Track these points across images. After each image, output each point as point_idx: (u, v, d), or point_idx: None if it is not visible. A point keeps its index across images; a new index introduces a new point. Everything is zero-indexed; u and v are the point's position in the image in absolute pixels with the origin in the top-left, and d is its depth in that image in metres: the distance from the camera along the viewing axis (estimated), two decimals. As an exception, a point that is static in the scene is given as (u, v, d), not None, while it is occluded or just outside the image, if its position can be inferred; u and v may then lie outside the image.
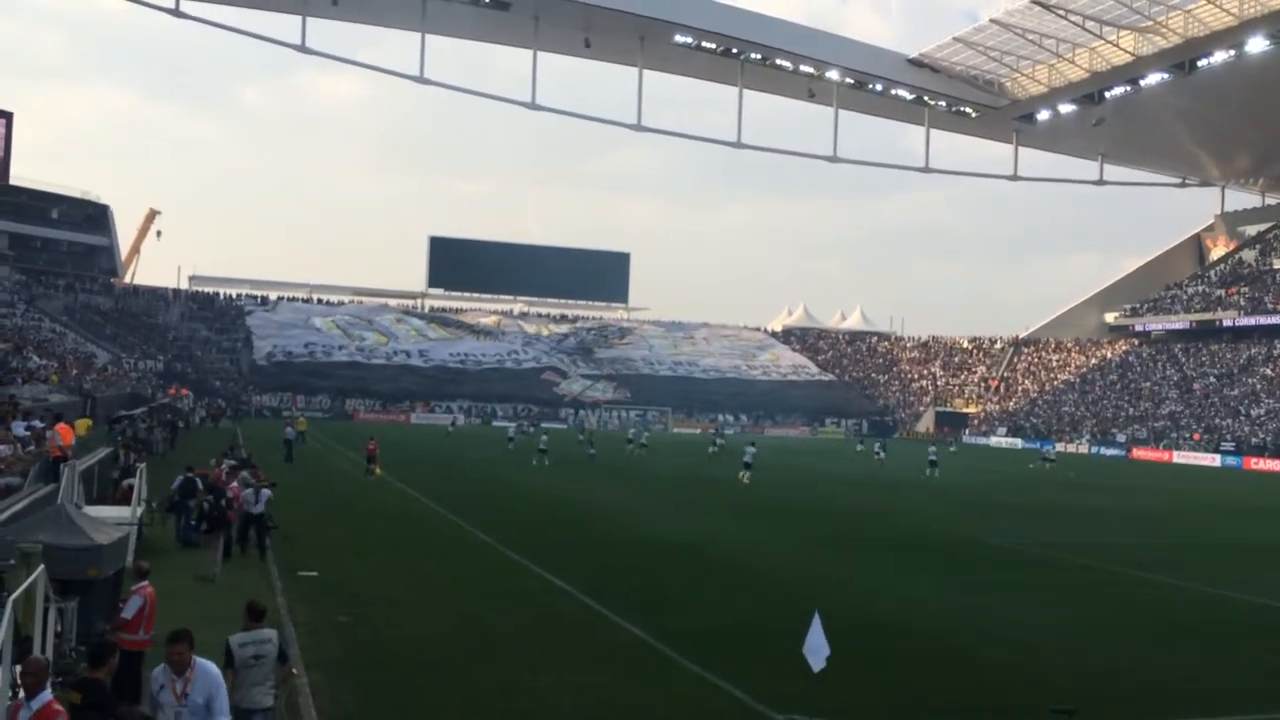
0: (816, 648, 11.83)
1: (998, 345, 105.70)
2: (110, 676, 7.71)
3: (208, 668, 7.10)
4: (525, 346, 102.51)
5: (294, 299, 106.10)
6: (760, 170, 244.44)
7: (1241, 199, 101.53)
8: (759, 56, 73.42)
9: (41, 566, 9.59)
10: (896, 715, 10.60)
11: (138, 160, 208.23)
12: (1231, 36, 64.13)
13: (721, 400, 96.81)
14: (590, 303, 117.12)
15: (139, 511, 18.69)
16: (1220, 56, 66.08)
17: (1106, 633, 15.46)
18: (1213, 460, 67.31)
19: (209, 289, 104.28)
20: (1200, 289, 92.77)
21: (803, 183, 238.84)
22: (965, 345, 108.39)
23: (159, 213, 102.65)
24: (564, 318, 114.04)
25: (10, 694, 7.49)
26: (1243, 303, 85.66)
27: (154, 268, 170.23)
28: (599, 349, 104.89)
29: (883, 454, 54.48)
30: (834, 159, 79.27)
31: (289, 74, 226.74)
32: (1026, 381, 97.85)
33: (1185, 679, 12.98)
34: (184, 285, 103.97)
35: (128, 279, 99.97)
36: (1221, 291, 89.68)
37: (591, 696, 11.32)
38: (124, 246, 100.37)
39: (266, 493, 19.87)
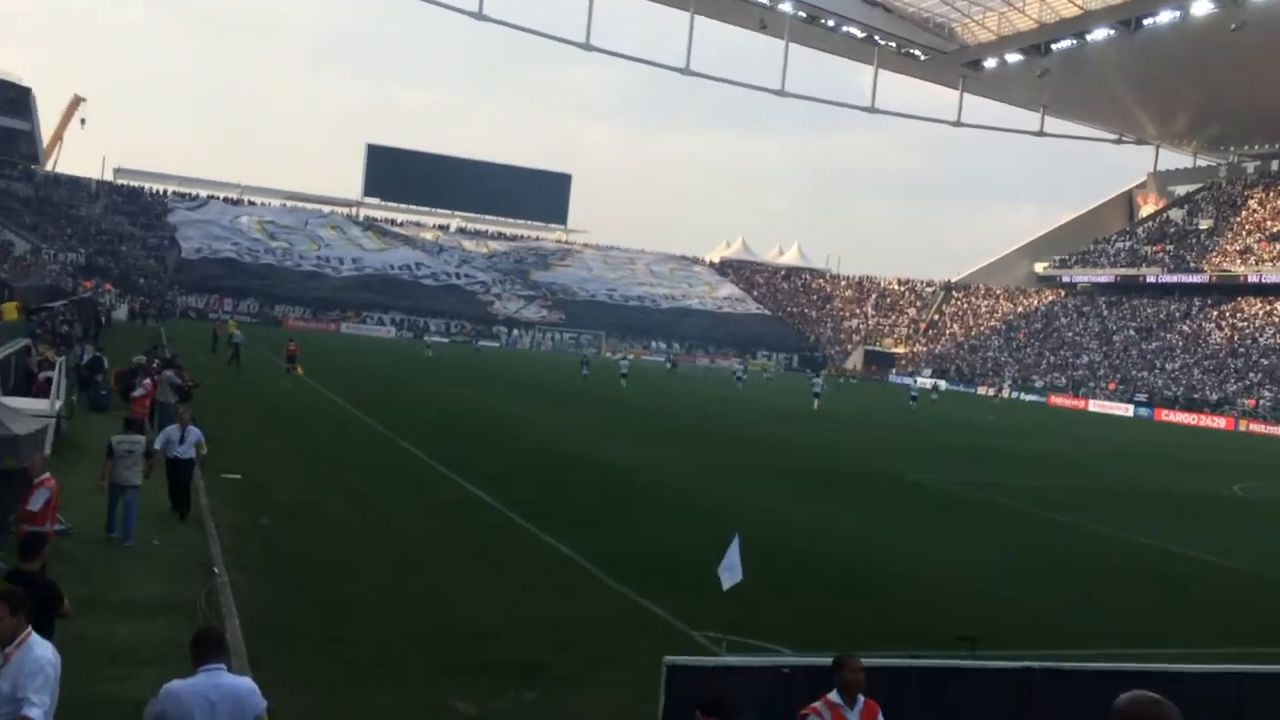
0: (730, 567, 12.14)
1: (930, 289, 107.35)
2: (42, 567, 7.69)
3: (32, 651, 5.15)
4: (461, 262, 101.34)
5: (224, 199, 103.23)
6: (709, 101, 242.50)
7: (1174, 159, 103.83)
8: (713, -19, 72.45)
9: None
10: (805, 637, 10.96)
11: (64, 44, 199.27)
12: (1179, -4, 64.88)
13: (655, 328, 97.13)
14: (529, 222, 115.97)
15: (58, 405, 18.34)
16: (1166, 16, 66.87)
17: (1011, 567, 16.10)
18: (1126, 410, 69.63)
19: (134, 182, 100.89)
20: (1128, 245, 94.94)
21: (750, 116, 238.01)
22: (896, 287, 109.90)
23: (84, 100, 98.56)
24: (502, 235, 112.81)
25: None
26: (1167, 260, 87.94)
27: (77, 157, 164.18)
28: (536, 270, 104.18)
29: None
30: (782, 93, 79.02)
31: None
32: (955, 325, 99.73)
33: (1078, 614, 13.62)
34: (108, 177, 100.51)
35: (49, 167, 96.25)
36: (1148, 248, 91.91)
37: (515, 606, 11.52)
38: (46, 133, 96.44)
39: (196, 433, 14.71)
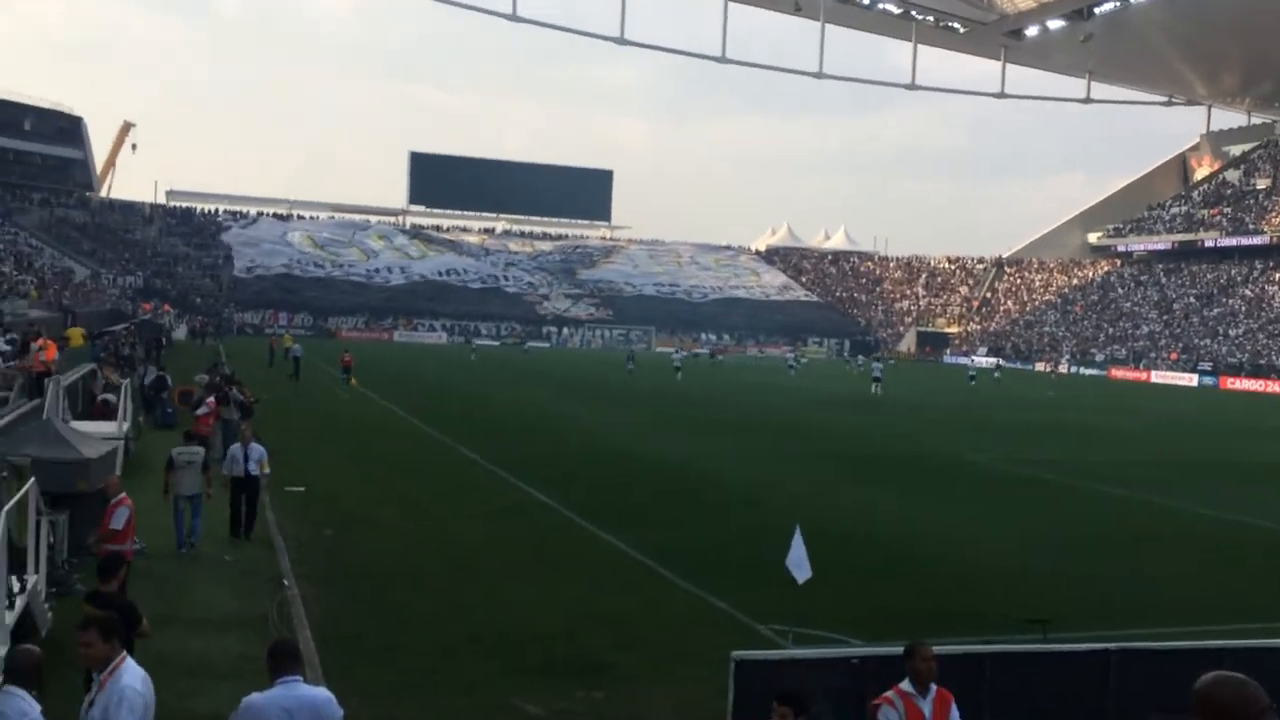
0: (798, 562, 12.07)
1: (980, 266, 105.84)
2: (121, 587, 7.86)
3: (122, 679, 5.05)
4: (508, 265, 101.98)
5: (273, 215, 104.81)
6: (745, 87, 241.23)
7: (1227, 118, 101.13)
8: (745, -32, 72.00)
9: (33, 479, 9.66)
10: (868, 624, 10.87)
11: (108, 67, 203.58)
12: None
13: (704, 320, 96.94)
14: (573, 221, 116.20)
15: (125, 427, 18.75)
16: (1212, -28, 65.19)
17: (1070, 545, 15.83)
18: (1190, 380, 68.13)
19: (186, 204, 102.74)
20: (1183, 209, 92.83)
21: (788, 100, 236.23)
22: (947, 266, 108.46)
23: (134, 125, 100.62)
24: (547, 235, 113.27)
25: (8, 603, 7.62)
26: (1225, 223, 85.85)
27: (130, 182, 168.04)
28: (582, 268, 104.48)
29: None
30: (820, 75, 78.33)
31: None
32: (1008, 302, 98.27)
33: (1142, 590, 13.36)
34: (161, 200, 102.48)
35: (103, 193, 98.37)
36: (1204, 212, 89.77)
37: (577, 606, 11.56)
38: (99, 160, 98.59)
39: (259, 449, 14.67)
